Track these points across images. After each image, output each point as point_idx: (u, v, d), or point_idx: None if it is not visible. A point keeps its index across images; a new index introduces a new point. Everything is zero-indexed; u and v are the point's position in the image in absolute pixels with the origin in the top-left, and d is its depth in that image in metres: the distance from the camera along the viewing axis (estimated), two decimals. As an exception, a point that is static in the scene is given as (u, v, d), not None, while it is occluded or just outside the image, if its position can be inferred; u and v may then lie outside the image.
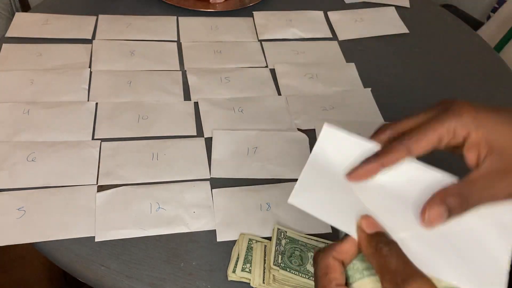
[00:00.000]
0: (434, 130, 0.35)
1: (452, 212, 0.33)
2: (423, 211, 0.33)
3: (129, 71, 0.77)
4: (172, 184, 0.60)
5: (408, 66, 0.85)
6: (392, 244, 0.32)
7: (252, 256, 0.52)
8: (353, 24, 0.93)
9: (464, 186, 0.34)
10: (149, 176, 0.61)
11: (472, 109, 0.35)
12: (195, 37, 0.86)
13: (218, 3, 0.93)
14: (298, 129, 0.70)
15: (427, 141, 0.35)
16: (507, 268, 0.32)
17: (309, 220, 0.58)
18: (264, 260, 0.52)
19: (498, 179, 0.34)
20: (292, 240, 0.53)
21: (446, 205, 0.33)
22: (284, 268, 0.49)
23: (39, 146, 0.63)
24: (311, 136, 0.69)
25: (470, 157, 0.35)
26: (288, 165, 0.64)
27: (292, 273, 0.49)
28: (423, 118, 0.36)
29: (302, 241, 0.53)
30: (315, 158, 0.38)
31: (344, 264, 0.34)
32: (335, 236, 0.56)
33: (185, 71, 0.78)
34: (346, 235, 0.34)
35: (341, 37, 0.90)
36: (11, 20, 0.85)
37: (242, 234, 0.55)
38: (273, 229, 0.54)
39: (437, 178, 0.35)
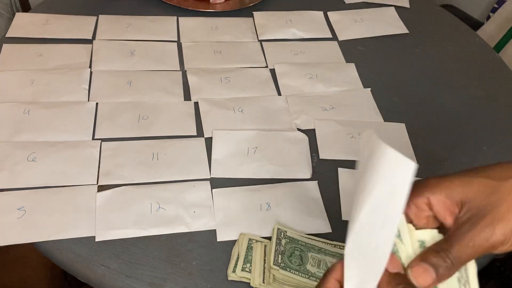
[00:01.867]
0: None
1: (438, 269, 0.32)
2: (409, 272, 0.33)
3: (129, 71, 0.77)
4: (172, 184, 0.60)
5: (408, 66, 0.85)
6: (411, 286, 0.32)
7: (252, 256, 0.52)
8: (353, 24, 0.93)
9: (443, 242, 0.33)
10: (149, 176, 0.61)
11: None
12: (195, 37, 0.86)
13: (218, 3, 0.93)
14: (298, 129, 0.70)
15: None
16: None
17: (309, 220, 0.58)
18: (264, 260, 0.52)
19: (476, 231, 0.33)
20: (292, 240, 0.53)
21: (428, 262, 0.32)
22: (284, 268, 0.49)
23: (39, 146, 0.63)
24: (311, 136, 0.69)
25: (449, 220, 0.35)
26: (288, 165, 0.64)
27: (292, 272, 0.49)
28: None
29: (302, 241, 0.53)
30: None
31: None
32: (335, 236, 0.56)
33: (185, 71, 0.78)
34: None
35: (341, 37, 0.90)
36: (12, 20, 0.85)
37: (242, 234, 0.55)
38: (273, 229, 0.54)
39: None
